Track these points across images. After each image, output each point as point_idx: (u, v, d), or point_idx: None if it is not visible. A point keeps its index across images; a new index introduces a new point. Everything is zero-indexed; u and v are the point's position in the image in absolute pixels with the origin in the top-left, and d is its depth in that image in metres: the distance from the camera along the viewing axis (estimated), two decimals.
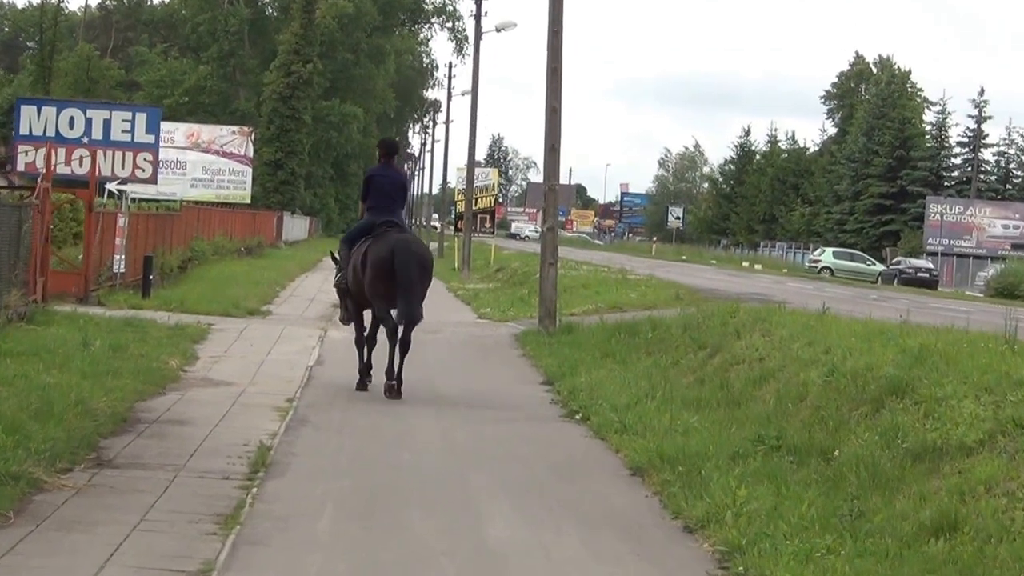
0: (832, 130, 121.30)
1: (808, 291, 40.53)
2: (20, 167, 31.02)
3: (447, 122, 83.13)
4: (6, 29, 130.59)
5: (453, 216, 62.00)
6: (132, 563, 8.27)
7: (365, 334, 17.01)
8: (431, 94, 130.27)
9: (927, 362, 13.42)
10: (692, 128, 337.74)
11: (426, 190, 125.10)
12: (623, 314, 26.59)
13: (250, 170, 60.70)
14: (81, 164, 30.87)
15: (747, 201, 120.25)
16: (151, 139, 31.05)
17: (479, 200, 52.55)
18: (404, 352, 16.22)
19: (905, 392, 12.72)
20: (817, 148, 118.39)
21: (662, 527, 10.13)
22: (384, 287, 16.08)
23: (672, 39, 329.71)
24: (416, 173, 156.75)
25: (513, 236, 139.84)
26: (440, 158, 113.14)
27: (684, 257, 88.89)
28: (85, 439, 11.80)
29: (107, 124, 30.93)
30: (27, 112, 30.98)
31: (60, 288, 25.11)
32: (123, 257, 27.86)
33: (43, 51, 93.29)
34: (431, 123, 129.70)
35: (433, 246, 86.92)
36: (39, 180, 20.90)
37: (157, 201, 47.14)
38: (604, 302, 28.66)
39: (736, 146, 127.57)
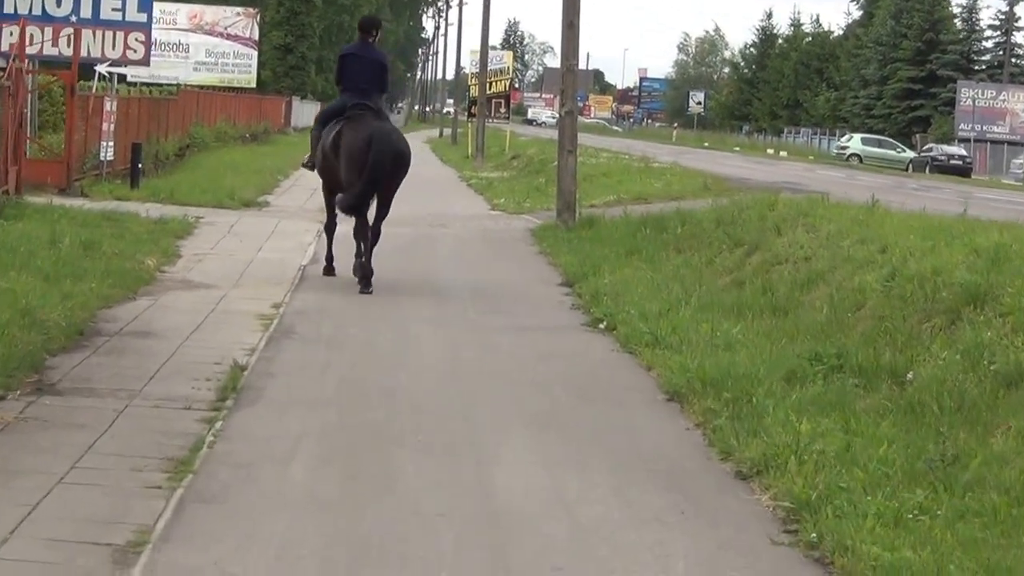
0: (857, 13, 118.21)
1: (841, 180, 38.59)
2: (3, 47, 29.17)
3: (460, 2, 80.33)
4: None
5: (467, 102, 59.85)
6: (44, 533, 6.51)
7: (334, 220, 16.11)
8: None
9: (1007, 266, 11.57)
10: (711, 12, 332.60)
11: (440, 76, 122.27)
12: (648, 206, 24.74)
13: (255, 53, 58.49)
14: (69, 44, 28.98)
15: (770, 86, 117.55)
16: (143, 18, 29.07)
17: (493, 84, 50.30)
18: (373, 244, 15.32)
19: (985, 301, 10.88)
20: (842, 32, 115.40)
21: (710, 472, 8.34)
22: (355, 178, 15.00)
23: None
24: (430, 59, 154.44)
25: (529, 122, 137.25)
26: (455, 43, 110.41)
27: (706, 144, 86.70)
28: (28, 357, 10.02)
29: (96, 2, 28.96)
30: None
31: (40, 178, 23.33)
32: (111, 144, 25.99)
33: None
34: (445, 6, 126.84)
35: (447, 132, 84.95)
36: (11, 60, 18.94)
37: (160, 86, 45.23)
38: (627, 192, 26.74)
39: (758, 30, 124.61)
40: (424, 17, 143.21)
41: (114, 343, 11.21)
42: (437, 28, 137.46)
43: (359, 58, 15.51)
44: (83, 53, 28.95)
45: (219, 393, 9.54)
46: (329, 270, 16.01)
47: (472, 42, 70.92)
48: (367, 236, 15.29)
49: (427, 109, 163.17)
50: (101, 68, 28.38)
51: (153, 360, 10.57)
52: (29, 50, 28.50)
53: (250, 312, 13.12)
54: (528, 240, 20.36)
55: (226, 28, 57.91)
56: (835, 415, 9.06)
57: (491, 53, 50.53)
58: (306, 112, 78.28)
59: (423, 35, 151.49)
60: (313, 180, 19.68)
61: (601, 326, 13.38)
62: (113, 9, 28.89)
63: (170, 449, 8.06)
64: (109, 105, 25.56)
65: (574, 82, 20.01)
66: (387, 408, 9.47)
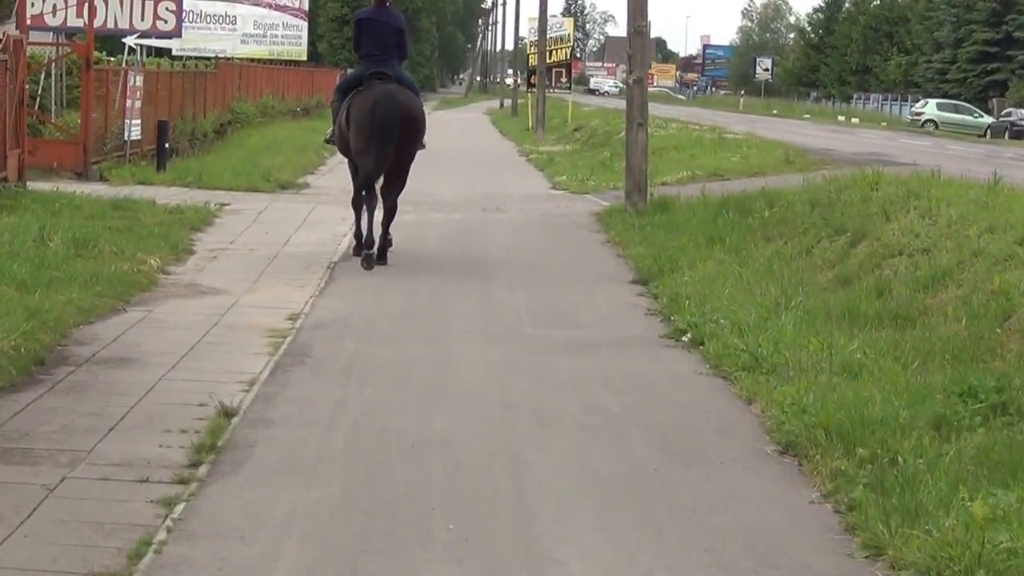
0: None
1: (929, 149, 35.87)
2: (26, 19, 27.07)
3: None
4: None
5: (527, 71, 57.32)
6: None
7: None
8: None
9: None
10: None
11: (499, 47, 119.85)
12: (725, 183, 22.33)
13: (305, 24, 56.01)
14: (95, 16, 26.85)
15: (837, 51, 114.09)
16: None
17: (553, 52, 47.67)
18: (388, 220, 14.55)
19: None
20: None
21: None
22: (365, 144, 14.24)
23: None
24: (490, 28, 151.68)
25: (592, 92, 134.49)
26: (513, 13, 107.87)
27: (775, 111, 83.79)
28: None
29: None
30: None
31: (55, 161, 21.17)
32: (137, 123, 23.79)
33: None
34: None
35: (507, 103, 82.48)
36: (4, 32, 16.73)
37: (206, 59, 43.08)
38: (701, 168, 24.24)
39: None
40: None
41: (79, 376, 8.97)
42: None
43: (376, 23, 14.73)
44: (109, 24, 26.86)
45: (192, 454, 7.27)
46: (358, 250, 14.73)
47: (532, 10, 68.42)
48: (373, 208, 14.39)
49: (488, 80, 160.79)
50: (130, 40, 26.21)
51: (120, 401, 8.32)
52: (51, 21, 26.47)
53: (260, 327, 10.85)
54: (593, 226, 17.93)
55: None
56: (1016, 485, 6.66)
57: (551, 20, 47.83)
58: None
59: (483, 5, 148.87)
60: None
61: (684, 339, 11.03)
62: None
63: (101, 557, 5.78)
64: (134, 80, 23.34)
65: (643, 47, 17.55)
66: (411, 475, 7.14)
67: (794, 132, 43.67)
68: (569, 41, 50.05)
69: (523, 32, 68.12)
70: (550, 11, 48.06)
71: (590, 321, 11.91)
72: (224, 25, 52.81)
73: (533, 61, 48.46)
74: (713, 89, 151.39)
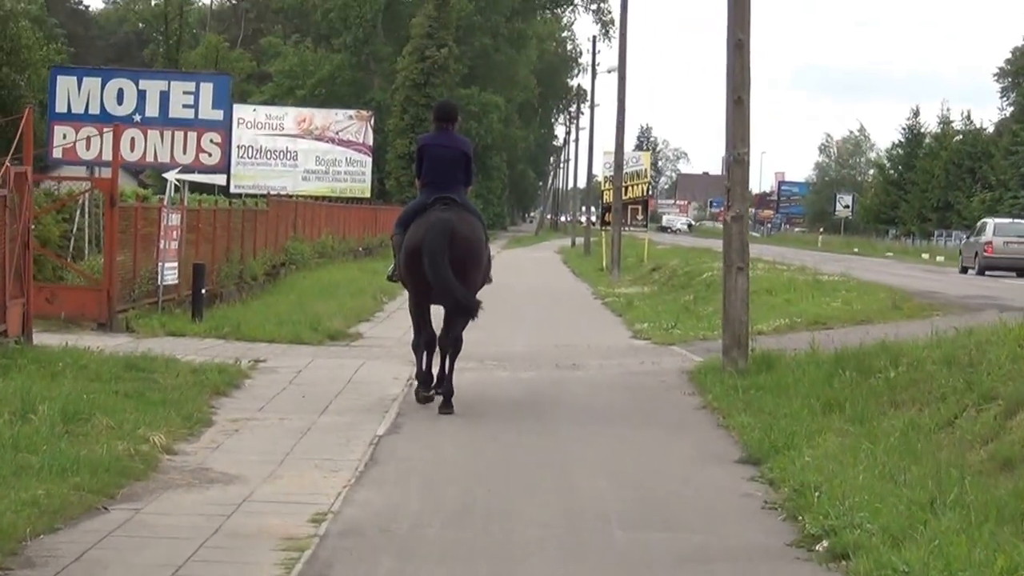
0: (1009, 109, 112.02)
1: None
2: (56, 154, 25.29)
3: (591, 105, 76.28)
4: (140, 25, 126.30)
5: (600, 209, 55.15)
6: None
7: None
8: (575, 82, 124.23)
9: None
10: (843, 113, 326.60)
11: (571, 184, 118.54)
12: (829, 331, 19.83)
13: (370, 160, 54.33)
14: (133, 148, 25.09)
15: (918, 187, 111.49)
16: (219, 115, 25.19)
17: (630, 188, 45.49)
18: (451, 354, 13.61)
19: None
20: (994, 128, 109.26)
21: None
22: (416, 277, 13.38)
23: (811, 25, 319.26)
24: (561, 166, 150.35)
25: (664, 229, 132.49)
26: (586, 148, 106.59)
27: (856, 249, 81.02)
28: None
29: (164, 98, 25.15)
30: (64, 85, 25.22)
31: (76, 310, 19.00)
32: (174, 266, 21.63)
33: (168, 42, 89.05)
34: (576, 112, 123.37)
35: (579, 242, 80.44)
36: (7, 162, 14.60)
37: (259, 197, 41.35)
38: (800, 315, 21.65)
39: (904, 128, 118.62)
40: (555, 124, 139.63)
41: None
42: (568, 134, 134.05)
43: (439, 148, 13.82)
44: (149, 158, 25.07)
45: None
46: (421, 396, 13.71)
47: (606, 145, 66.59)
48: (424, 345, 13.66)
49: (559, 218, 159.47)
50: (171, 175, 24.23)
51: None
52: (84, 155, 24.67)
53: (273, 534, 8.43)
54: (686, 387, 15.35)
55: (337, 133, 53.68)
56: None
57: (627, 154, 45.62)
58: None
59: (554, 142, 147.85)
60: None
61: (819, 547, 8.50)
62: (184, 107, 25.02)
63: None
64: (169, 219, 21.20)
65: (743, 179, 15.11)
66: None
67: (885, 272, 41.05)
68: (646, 176, 47.85)
69: (596, 168, 66.24)
70: (607, 152, 46.02)
71: (696, 519, 9.37)
72: (285, 161, 51.27)
73: (608, 197, 46.30)
74: (787, 226, 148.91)
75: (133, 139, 24.58)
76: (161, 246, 20.95)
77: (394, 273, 14.57)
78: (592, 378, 16.06)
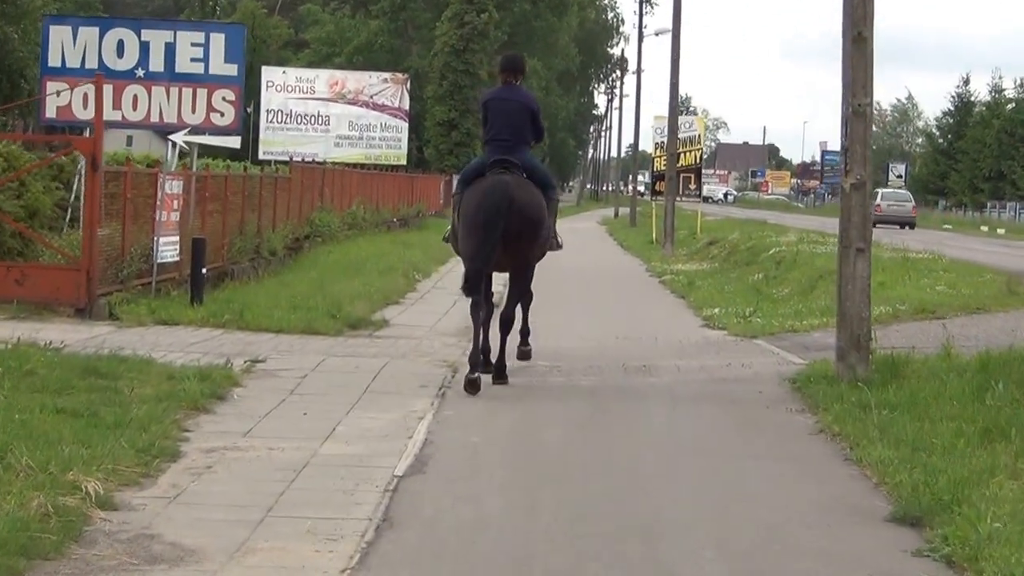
0: None
1: None
2: (50, 112, 22.35)
3: (639, 69, 72.63)
4: None
5: (649, 178, 51.87)
6: None
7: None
8: (616, 50, 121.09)
9: None
10: (891, 81, 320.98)
11: (613, 153, 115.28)
12: (942, 321, 16.73)
13: (406, 125, 51.14)
14: (135, 106, 22.14)
15: (969, 157, 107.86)
16: (233, 70, 22.14)
17: (682, 156, 42.19)
18: (506, 330, 13.03)
19: None
20: None
21: None
22: (472, 244, 12.70)
23: None
24: (602, 134, 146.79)
25: (705, 199, 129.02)
26: (628, 117, 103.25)
27: None
28: None
29: (170, 50, 22.10)
30: (58, 35, 22.18)
31: (50, 294, 16.07)
32: (174, 240, 18.62)
33: (204, 8, 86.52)
34: (618, 81, 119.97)
35: (622, 211, 77.21)
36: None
37: (288, 163, 38.44)
38: (903, 301, 18.40)
39: (954, 96, 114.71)
40: (596, 93, 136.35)
41: None
42: (610, 101, 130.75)
43: (503, 102, 13.22)
44: (153, 118, 22.09)
45: None
46: (468, 380, 12.29)
47: (649, 112, 63.28)
48: (480, 318, 12.61)
49: (600, 187, 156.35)
50: (177, 137, 21.26)
51: None
52: (81, 114, 21.73)
53: None
54: (791, 401, 12.13)
55: (372, 96, 50.42)
56: None
57: (680, 119, 42.08)
58: None
59: (594, 111, 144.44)
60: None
61: None
62: (193, 60, 21.97)
63: None
64: (169, 186, 18.17)
65: (866, 133, 11.81)
66: None
67: (960, 247, 37.77)
68: (699, 143, 44.53)
69: (644, 136, 62.84)
70: (659, 117, 42.81)
71: None
72: (316, 126, 48.21)
73: (660, 165, 43.05)
74: (829, 196, 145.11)
75: (136, 96, 21.52)
76: (158, 218, 17.93)
77: (448, 235, 14.04)
78: (670, 387, 12.86)
